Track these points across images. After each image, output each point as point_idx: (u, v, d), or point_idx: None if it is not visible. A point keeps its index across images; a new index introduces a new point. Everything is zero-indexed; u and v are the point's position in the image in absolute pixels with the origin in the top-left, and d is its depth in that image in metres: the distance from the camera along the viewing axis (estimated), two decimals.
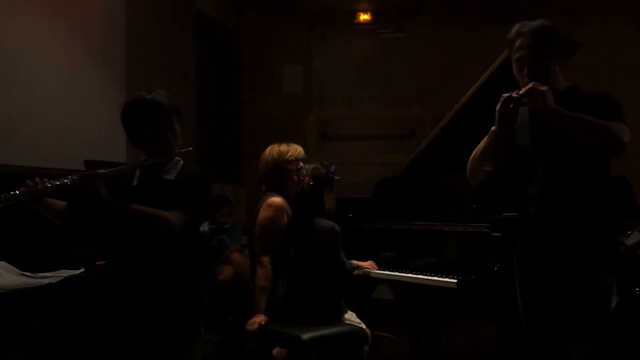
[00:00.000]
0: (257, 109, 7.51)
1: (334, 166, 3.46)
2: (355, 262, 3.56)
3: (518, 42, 2.53)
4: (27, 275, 2.77)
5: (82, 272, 2.88)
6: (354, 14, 7.51)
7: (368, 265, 3.63)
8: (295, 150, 3.61)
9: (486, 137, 2.56)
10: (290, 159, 3.56)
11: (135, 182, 2.57)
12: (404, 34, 7.52)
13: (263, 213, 3.46)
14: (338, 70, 7.58)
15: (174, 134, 2.56)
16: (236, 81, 7.55)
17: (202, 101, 6.53)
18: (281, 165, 3.56)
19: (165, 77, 5.53)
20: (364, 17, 7.49)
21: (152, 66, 5.39)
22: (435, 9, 7.24)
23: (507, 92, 2.46)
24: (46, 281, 2.73)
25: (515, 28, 2.57)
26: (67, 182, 2.41)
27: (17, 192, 2.39)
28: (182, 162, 2.60)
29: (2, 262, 2.78)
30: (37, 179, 2.42)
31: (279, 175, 3.56)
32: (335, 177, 3.44)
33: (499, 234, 3.08)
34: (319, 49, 7.71)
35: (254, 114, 7.52)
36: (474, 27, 6.96)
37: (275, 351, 3.42)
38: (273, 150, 3.61)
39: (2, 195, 2.36)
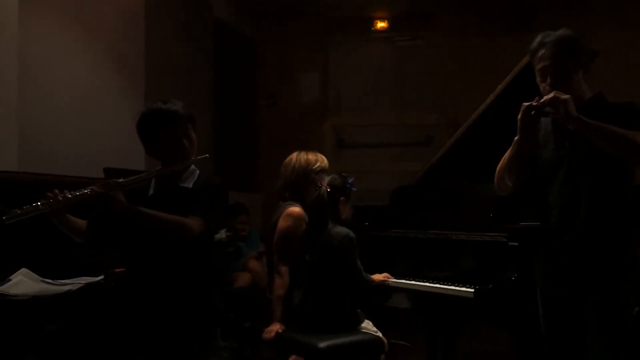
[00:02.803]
0: (274, 116, 7.53)
1: (352, 178, 3.44)
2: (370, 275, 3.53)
3: (541, 52, 2.52)
4: (47, 282, 2.80)
5: (101, 279, 2.90)
6: (370, 22, 7.52)
7: (383, 277, 3.58)
8: (322, 161, 3.60)
9: (510, 148, 2.56)
10: (317, 169, 3.55)
11: (151, 191, 2.60)
12: (420, 42, 7.53)
13: (282, 223, 3.46)
14: (355, 77, 7.57)
15: (190, 142, 2.59)
16: (253, 88, 7.58)
17: (219, 108, 6.57)
18: (308, 174, 3.54)
19: (183, 84, 5.57)
20: (380, 24, 7.50)
21: (170, 74, 5.43)
22: (451, 16, 7.23)
23: (526, 100, 2.45)
24: (66, 288, 2.76)
25: (538, 38, 2.55)
26: (87, 192, 2.42)
27: (39, 203, 2.40)
28: (198, 171, 2.63)
29: (23, 269, 2.81)
30: (57, 191, 2.43)
31: (304, 184, 3.53)
32: (353, 188, 3.43)
33: (516, 244, 3.07)
34: (335, 56, 7.72)
35: (270, 121, 7.53)
36: (491, 34, 6.94)
37: (291, 359, 3.43)
38: (300, 157, 3.59)
39: (24, 207, 2.38)
